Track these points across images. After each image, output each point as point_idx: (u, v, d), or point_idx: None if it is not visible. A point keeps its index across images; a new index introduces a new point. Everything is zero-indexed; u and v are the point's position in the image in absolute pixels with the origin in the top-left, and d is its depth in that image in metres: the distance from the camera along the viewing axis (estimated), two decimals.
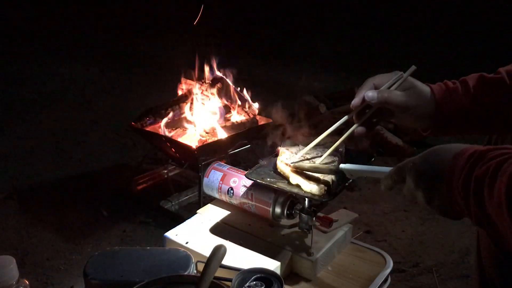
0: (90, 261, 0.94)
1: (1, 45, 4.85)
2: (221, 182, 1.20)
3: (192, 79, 2.42)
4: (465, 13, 5.98)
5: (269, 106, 2.46)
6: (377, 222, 2.32)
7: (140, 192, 2.53)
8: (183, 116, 2.34)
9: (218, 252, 0.88)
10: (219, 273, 0.88)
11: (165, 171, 2.58)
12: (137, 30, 5.59)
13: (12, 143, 3.04)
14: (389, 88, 0.97)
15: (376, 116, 1.02)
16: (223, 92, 2.33)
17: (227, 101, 2.36)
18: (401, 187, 0.80)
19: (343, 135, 1.02)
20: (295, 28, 5.97)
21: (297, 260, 1.07)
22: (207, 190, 1.24)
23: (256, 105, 2.35)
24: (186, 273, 0.91)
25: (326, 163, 1.04)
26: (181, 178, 2.61)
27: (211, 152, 2.16)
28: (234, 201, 1.18)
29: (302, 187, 1.02)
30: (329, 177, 1.02)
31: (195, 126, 2.29)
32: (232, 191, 1.17)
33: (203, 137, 2.20)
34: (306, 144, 1.13)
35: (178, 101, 2.37)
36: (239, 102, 2.34)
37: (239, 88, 2.38)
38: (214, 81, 2.35)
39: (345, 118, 1.03)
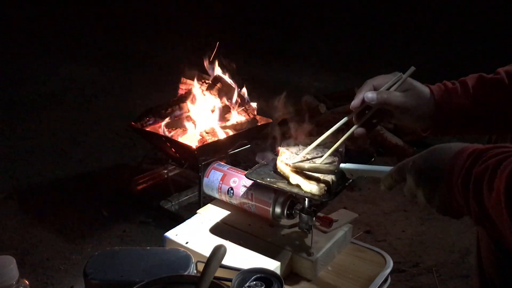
0: (90, 261, 0.94)
1: (1, 45, 4.85)
2: (221, 182, 1.20)
3: (192, 79, 2.42)
4: (465, 13, 5.98)
5: (269, 106, 2.47)
6: (377, 222, 2.32)
7: (140, 192, 2.53)
8: (183, 116, 2.34)
9: (218, 252, 0.88)
10: (219, 273, 0.88)
11: (165, 171, 2.58)
12: (137, 30, 5.59)
13: (12, 143, 3.04)
14: (388, 89, 0.97)
15: (375, 117, 1.02)
16: (223, 92, 2.33)
17: (227, 101, 2.36)
18: (401, 186, 0.80)
19: (343, 135, 1.02)
20: (295, 28, 5.97)
21: (297, 260, 1.08)
22: (207, 190, 1.24)
23: (254, 105, 2.35)
24: (186, 273, 0.91)
25: (326, 163, 1.04)
26: (181, 178, 2.61)
27: (211, 152, 2.16)
28: (234, 201, 1.18)
29: (302, 187, 1.02)
30: (329, 177, 1.03)
31: (195, 126, 2.29)
32: (232, 191, 1.17)
33: (203, 137, 2.20)
34: (306, 144, 1.14)
35: (178, 101, 2.37)
36: (239, 102, 2.34)
37: (239, 88, 2.38)
38: (214, 81, 2.35)
39: (345, 119, 1.04)
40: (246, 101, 2.35)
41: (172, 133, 2.27)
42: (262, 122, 2.35)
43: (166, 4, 6.16)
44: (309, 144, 1.12)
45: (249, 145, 2.31)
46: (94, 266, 0.93)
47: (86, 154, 2.94)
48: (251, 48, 5.13)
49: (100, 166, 2.82)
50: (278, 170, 1.09)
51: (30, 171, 2.72)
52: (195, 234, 1.13)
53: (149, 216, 2.31)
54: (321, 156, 1.07)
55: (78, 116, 3.50)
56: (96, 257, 0.96)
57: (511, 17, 5.51)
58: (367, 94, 0.96)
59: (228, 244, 1.06)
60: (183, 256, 0.97)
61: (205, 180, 1.23)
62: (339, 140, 1.03)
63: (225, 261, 0.90)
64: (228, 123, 2.29)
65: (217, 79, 2.35)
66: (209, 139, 2.18)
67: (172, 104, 2.36)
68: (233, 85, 2.35)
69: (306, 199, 1.05)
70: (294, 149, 1.14)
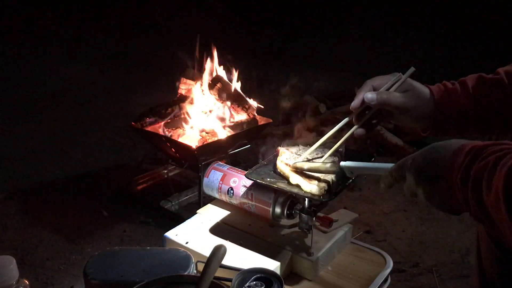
0: (90, 261, 0.94)
1: (1, 45, 4.85)
2: (221, 182, 1.20)
3: (192, 79, 2.42)
4: (465, 13, 5.98)
5: (269, 107, 2.47)
6: (377, 222, 2.32)
7: (140, 192, 2.53)
8: (183, 116, 2.34)
9: (218, 252, 0.88)
10: (219, 273, 0.88)
11: (165, 171, 2.59)
12: (137, 30, 5.59)
13: (12, 143, 3.04)
14: (388, 89, 0.98)
15: (375, 117, 1.02)
16: (223, 92, 2.33)
17: (227, 100, 2.36)
18: (401, 184, 0.80)
19: (343, 135, 1.02)
20: (295, 28, 5.97)
21: (297, 260, 1.08)
22: (207, 190, 1.24)
23: (255, 104, 2.35)
24: (186, 273, 0.91)
25: (326, 163, 1.04)
26: (181, 178, 2.61)
27: (211, 152, 2.16)
28: (234, 201, 1.18)
29: (302, 187, 1.02)
30: (329, 177, 1.03)
31: (195, 126, 2.29)
32: (232, 191, 1.17)
33: (203, 137, 2.20)
34: (306, 145, 1.14)
35: (178, 101, 2.37)
36: (239, 102, 2.34)
37: (239, 88, 2.38)
38: (214, 81, 2.35)
39: (345, 119, 1.04)
40: (246, 101, 2.35)
41: (172, 133, 2.27)
42: (262, 122, 2.35)
43: (166, 4, 6.16)
44: (309, 144, 1.13)
45: (249, 145, 2.31)
46: (94, 266, 0.93)
47: (86, 154, 2.94)
48: (251, 48, 5.13)
49: (100, 166, 2.82)
50: (278, 170, 1.09)
51: (30, 171, 2.72)
52: (195, 234, 1.13)
53: (149, 216, 2.31)
54: (321, 157, 1.07)
55: (78, 116, 3.50)
56: (96, 257, 0.96)
57: (511, 17, 5.51)
58: (367, 94, 0.96)
59: (228, 244, 1.06)
60: (183, 256, 0.97)
61: (205, 180, 1.23)
62: (339, 140, 1.03)
63: (225, 261, 0.90)
64: (228, 123, 2.29)
65: (217, 79, 2.35)
66: (209, 139, 2.18)
67: (172, 104, 2.36)
68: (233, 85, 2.35)
69: (306, 199, 1.05)
70: (294, 149, 1.14)
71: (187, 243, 1.09)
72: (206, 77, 2.36)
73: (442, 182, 0.71)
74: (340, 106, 3.30)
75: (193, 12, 5.43)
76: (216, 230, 1.15)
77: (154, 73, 4.24)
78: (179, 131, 2.30)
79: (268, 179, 1.07)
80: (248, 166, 1.18)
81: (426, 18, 6.11)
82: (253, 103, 2.35)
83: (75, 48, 5.02)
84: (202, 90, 2.35)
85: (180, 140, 2.22)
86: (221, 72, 2.38)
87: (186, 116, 2.32)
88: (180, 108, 2.34)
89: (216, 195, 1.22)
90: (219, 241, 1.08)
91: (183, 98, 2.38)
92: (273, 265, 1.01)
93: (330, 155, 1.05)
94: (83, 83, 4.12)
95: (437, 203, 0.74)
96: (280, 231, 1.15)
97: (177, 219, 1.98)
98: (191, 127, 2.30)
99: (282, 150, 1.13)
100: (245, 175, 1.11)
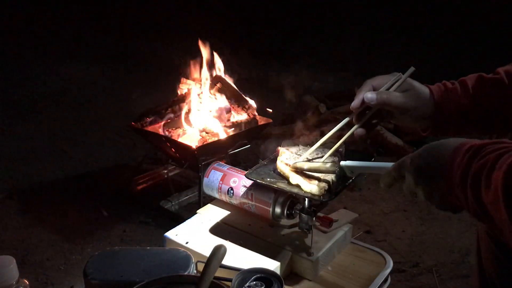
0: (90, 261, 0.94)
1: (1, 45, 4.85)
2: (221, 182, 1.20)
3: (192, 79, 2.42)
4: (465, 13, 5.97)
5: (268, 107, 2.47)
6: (377, 222, 2.32)
7: (140, 192, 2.53)
8: (183, 116, 2.34)
9: (218, 252, 0.88)
10: (219, 273, 0.88)
11: (165, 171, 2.59)
12: (137, 30, 5.59)
13: (12, 143, 3.04)
14: (388, 89, 0.98)
15: (375, 117, 1.02)
16: (223, 92, 2.33)
17: (227, 100, 2.36)
18: (401, 184, 0.80)
19: (343, 135, 1.02)
20: (295, 28, 5.97)
21: (297, 260, 1.08)
22: (207, 190, 1.24)
23: (254, 104, 2.35)
24: (186, 273, 0.91)
25: (326, 163, 1.04)
26: (181, 178, 2.61)
27: (211, 152, 2.16)
28: (234, 201, 1.18)
29: (302, 187, 1.02)
30: (329, 177, 1.03)
31: (195, 126, 2.29)
32: (232, 191, 1.17)
33: (203, 137, 2.20)
34: (306, 145, 1.14)
35: (178, 101, 2.37)
36: (239, 102, 2.34)
37: (238, 88, 2.38)
38: (214, 80, 2.35)
39: (346, 119, 1.04)
40: (246, 101, 2.35)
41: (172, 133, 2.27)
42: (262, 122, 2.35)
43: (166, 4, 6.16)
44: (309, 144, 1.13)
45: (249, 145, 2.31)
46: (94, 266, 0.93)
47: (86, 154, 2.94)
48: (251, 48, 5.13)
49: (100, 166, 2.82)
50: (278, 170, 1.09)
51: (30, 171, 2.72)
52: (195, 234, 1.13)
53: (149, 216, 2.31)
54: (321, 157, 1.07)
55: (78, 116, 3.50)
56: (96, 257, 0.96)
57: (511, 17, 5.51)
58: (367, 94, 0.96)
59: (228, 244, 1.06)
60: (183, 256, 0.97)
61: (205, 180, 1.23)
62: (339, 140, 1.03)
63: (225, 261, 0.90)
64: (228, 123, 2.29)
65: (217, 79, 2.35)
66: (209, 139, 2.18)
67: (172, 104, 2.36)
68: (233, 85, 2.35)
69: (306, 199, 1.05)
70: (294, 149, 1.14)
71: (187, 243, 1.09)
72: (206, 77, 2.37)
73: (442, 181, 0.71)
74: (340, 106, 3.30)
75: (193, 12, 5.43)
76: (216, 230, 1.15)
77: (154, 73, 4.24)
78: (179, 131, 2.30)
79: (268, 179, 1.07)
80: (248, 166, 1.18)
81: (426, 18, 6.11)
82: (252, 102, 2.35)
83: (75, 48, 5.01)
84: (202, 91, 2.34)
85: (180, 140, 2.22)
86: (221, 71, 2.38)
87: (186, 116, 2.32)
88: (180, 108, 2.34)
89: (216, 195, 1.22)
90: (219, 241, 1.08)
91: (183, 98, 2.38)
92: (273, 265, 1.01)
93: (330, 155, 1.05)
94: (83, 83, 4.12)
95: (437, 202, 0.74)
96: (280, 231, 1.15)
97: (177, 219, 1.98)
98: (191, 127, 2.30)
99: (282, 150, 1.13)
100: (245, 175, 1.11)
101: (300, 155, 1.10)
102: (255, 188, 1.14)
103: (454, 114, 0.98)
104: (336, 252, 1.16)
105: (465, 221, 2.29)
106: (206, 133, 2.21)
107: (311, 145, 1.10)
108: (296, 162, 1.05)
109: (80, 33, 5.45)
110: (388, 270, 1.11)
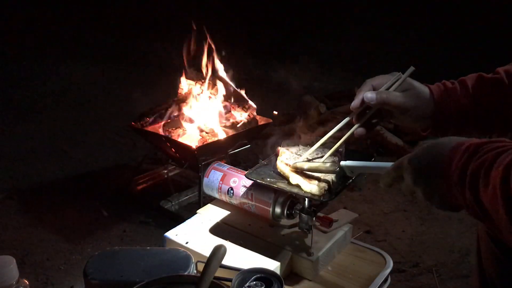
0: (90, 261, 0.94)
1: (1, 45, 4.85)
2: (221, 182, 1.20)
3: (192, 79, 2.42)
4: (465, 13, 5.97)
5: (268, 107, 2.47)
6: (377, 222, 2.32)
7: (140, 192, 2.53)
8: (183, 116, 2.34)
9: (218, 252, 0.88)
10: (219, 273, 0.88)
11: (165, 171, 2.59)
12: (137, 30, 5.59)
13: (12, 143, 3.04)
14: (388, 89, 0.98)
15: (375, 117, 1.02)
16: (223, 92, 2.33)
17: (227, 100, 2.36)
18: (400, 184, 0.80)
19: (343, 135, 1.02)
20: (295, 28, 5.97)
21: (297, 260, 1.08)
22: (207, 190, 1.24)
23: (253, 105, 2.35)
24: (186, 273, 0.91)
25: (326, 163, 1.04)
26: (181, 178, 2.61)
27: (211, 152, 2.16)
28: (234, 201, 1.18)
29: (302, 187, 1.02)
30: (329, 177, 1.03)
31: (195, 126, 2.29)
32: (232, 191, 1.17)
33: (203, 137, 2.20)
34: (306, 145, 1.14)
35: (178, 101, 2.37)
36: (239, 102, 2.34)
37: (238, 88, 2.38)
38: (214, 80, 2.35)
39: (346, 119, 1.04)
40: (246, 101, 2.35)
41: (172, 133, 2.27)
42: (262, 122, 2.35)
43: (166, 4, 6.16)
44: (309, 144, 1.13)
45: (249, 145, 2.31)
46: (94, 266, 0.93)
47: (86, 154, 2.94)
48: (251, 48, 5.13)
49: (100, 166, 2.82)
50: (278, 170, 1.09)
51: (30, 171, 2.72)
52: (195, 234, 1.13)
53: (149, 216, 2.31)
54: (321, 157, 1.07)
55: (78, 116, 3.50)
56: (96, 257, 0.96)
57: (511, 17, 5.51)
58: (367, 94, 0.96)
59: (228, 244, 1.06)
60: (183, 256, 0.97)
61: (205, 180, 1.23)
62: (339, 140, 1.03)
63: (225, 261, 0.90)
64: (228, 123, 2.29)
65: (217, 79, 2.35)
66: (209, 139, 2.18)
67: (172, 104, 2.36)
68: (233, 85, 2.35)
69: (306, 199, 1.05)
70: (294, 149, 1.14)
71: (187, 243, 1.09)
72: (206, 77, 2.37)
73: (441, 180, 0.71)
74: (340, 106, 3.30)
75: (193, 12, 5.42)
76: (216, 230, 1.15)
77: (154, 73, 4.24)
78: (179, 131, 2.30)
79: (268, 179, 1.07)
80: (248, 166, 1.18)
81: (426, 18, 6.11)
82: (251, 103, 2.35)
83: (75, 48, 5.01)
84: (202, 90, 2.34)
85: (180, 140, 2.22)
86: (221, 70, 2.38)
87: (186, 116, 2.32)
88: (180, 108, 2.34)
89: (216, 195, 1.22)
90: (219, 241, 1.08)
91: (183, 98, 2.38)
92: (273, 265, 1.01)
93: (330, 155, 1.05)
94: (83, 83, 4.12)
95: (436, 201, 0.74)
96: (280, 231, 1.15)
97: (177, 219, 1.98)
98: (191, 127, 2.30)
99: (282, 150, 1.13)
100: (245, 175, 1.11)
101: (300, 155, 1.10)
102: (255, 188, 1.14)
103: (454, 114, 0.98)
104: (336, 252, 1.16)
105: (465, 221, 2.29)
106: (206, 133, 2.21)
107: (311, 145, 1.10)
108: (296, 162, 1.05)
109: (80, 33, 5.44)
110: (388, 270, 1.11)
